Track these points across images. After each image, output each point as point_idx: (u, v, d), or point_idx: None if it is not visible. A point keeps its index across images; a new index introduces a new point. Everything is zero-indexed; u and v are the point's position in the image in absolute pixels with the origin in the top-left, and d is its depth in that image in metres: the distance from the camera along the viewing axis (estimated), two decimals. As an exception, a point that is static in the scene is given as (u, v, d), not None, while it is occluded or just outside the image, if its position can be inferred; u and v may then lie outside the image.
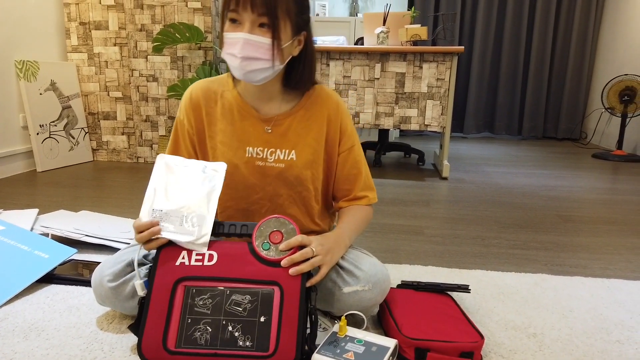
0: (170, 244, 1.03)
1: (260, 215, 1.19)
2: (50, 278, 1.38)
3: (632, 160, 3.88)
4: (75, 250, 1.50)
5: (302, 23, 1.07)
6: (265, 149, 1.16)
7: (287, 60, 1.09)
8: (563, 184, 3.00)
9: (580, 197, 2.66)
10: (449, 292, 1.26)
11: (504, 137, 5.45)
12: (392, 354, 0.99)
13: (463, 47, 2.99)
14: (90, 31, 3.20)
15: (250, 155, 1.16)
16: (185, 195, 1.05)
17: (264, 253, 1.01)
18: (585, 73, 5.07)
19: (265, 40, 1.01)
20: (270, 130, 1.16)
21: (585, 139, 5.10)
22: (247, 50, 1.01)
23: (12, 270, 1.35)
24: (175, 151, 1.22)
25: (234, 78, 1.18)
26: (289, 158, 1.16)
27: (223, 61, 3.36)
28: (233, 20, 1.03)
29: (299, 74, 1.13)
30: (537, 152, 4.35)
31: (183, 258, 1.01)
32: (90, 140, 3.40)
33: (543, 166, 3.62)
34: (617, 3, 4.69)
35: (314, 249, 1.01)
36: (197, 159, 1.21)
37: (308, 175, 1.19)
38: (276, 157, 1.16)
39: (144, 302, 0.98)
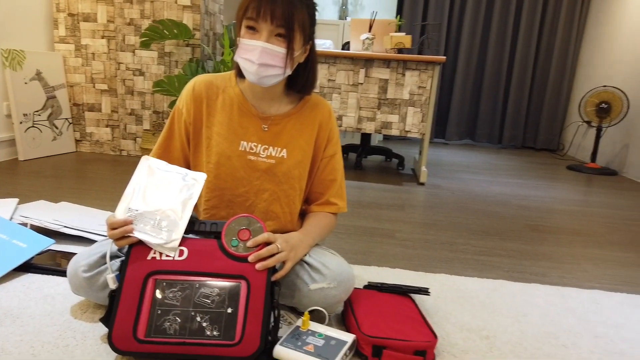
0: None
1: (243, 208, 1.26)
2: (27, 267, 1.41)
3: (604, 173, 4.01)
4: (53, 240, 1.54)
5: (311, 34, 1.17)
6: (259, 145, 1.24)
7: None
8: (536, 193, 3.10)
9: (550, 207, 2.76)
10: (410, 294, 1.32)
11: (484, 145, 5.56)
12: (350, 348, 1.06)
13: (445, 57, 3.07)
14: (79, 23, 3.22)
15: (243, 148, 1.23)
16: (162, 200, 1.10)
17: (232, 249, 1.07)
18: (565, 86, 5.21)
19: (280, 50, 1.10)
20: (266, 129, 1.24)
21: (562, 151, 5.24)
22: (264, 58, 1.10)
23: (-11, 257, 1.38)
24: (169, 138, 1.27)
25: (237, 76, 1.25)
26: (280, 155, 1.24)
27: (210, 59, 3.40)
28: (250, 28, 1.10)
29: (304, 79, 1.23)
30: (515, 162, 4.46)
31: (154, 253, 1.06)
32: (74, 131, 3.41)
33: (519, 175, 3.73)
34: (599, 20, 4.84)
35: (279, 246, 1.08)
36: (189, 148, 1.27)
37: (296, 174, 1.26)
38: (268, 154, 1.24)
39: (114, 295, 1.03)
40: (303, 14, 1.11)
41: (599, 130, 4.18)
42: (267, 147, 1.24)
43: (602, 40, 4.72)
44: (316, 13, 1.19)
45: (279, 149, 1.24)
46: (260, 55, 1.09)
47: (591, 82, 4.82)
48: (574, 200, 2.98)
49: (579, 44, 5.16)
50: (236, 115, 1.24)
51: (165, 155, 1.27)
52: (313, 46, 1.21)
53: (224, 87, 1.26)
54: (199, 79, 1.26)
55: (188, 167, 1.28)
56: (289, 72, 1.15)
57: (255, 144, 1.23)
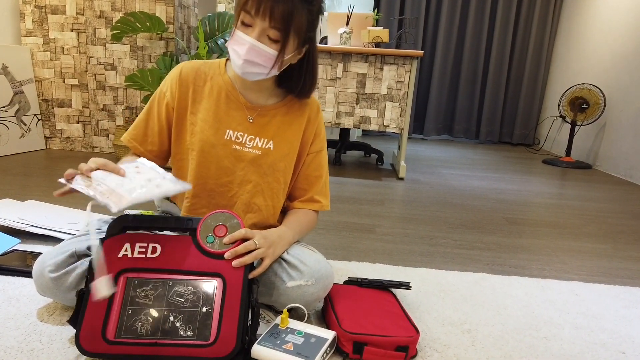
0: (113, 237, 1.03)
1: (225, 199, 1.22)
2: (-10, 268, 1.34)
3: (578, 167, 4.08)
4: (18, 240, 1.47)
5: (307, 39, 1.12)
6: (246, 135, 1.20)
7: (285, 67, 1.14)
8: (513, 187, 3.12)
9: (527, 200, 2.78)
10: (391, 289, 1.30)
11: (462, 141, 5.60)
12: (330, 346, 1.02)
13: (422, 51, 3.06)
14: (47, 15, 3.10)
15: (229, 137, 1.19)
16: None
17: (207, 246, 1.02)
18: (540, 81, 5.28)
19: (270, 50, 1.06)
20: (252, 120, 1.21)
21: (538, 145, 5.31)
22: (251, 54, 1.06)
23: (-51, 259, 1.31)
24: (147, 120, 1.22)
25: (226, 63, 1.23)
26: (266, 147, 1.21)
27: (185, 52, 3.32)
28: (245, 24, 1.05)
29: (299, 82, 1.18)
30: (492, 156, 4.50)
31: (126, 250, 1.01)
32: (43, 127, 3.29)
33: (496, 170, 3.76)
34: (573, 14, 4.91)
35: (256, 242, 1.04)
36: (168, 134, 1.23)
37: (281, 166, 1.23)
38: (254, 144, 1.21)
39: (83, 294, 0.97)
40: (302, 17, 1.05)
41: (573, 124, 4.25)
42: (253, 137, 1.21)
43: (576, 35, 4.79)
44: (320, 17, 1.14)
45: (266, 140, 1.21)
46: (248, 52, 1.06)
47: (565, 77, 4.89)
48: (550, 194, 3.01)
49: (553, 39, 5.24)
50: (223, 103, 1.20)
51: (141, 136, 1.22)
52: (311, 49, 1.16)
53: (212, 75, 1.22)
54: (187, 64, 1.23)
55: (163, 152, 1.25)
56: (275, 72, 1.12)
57: (242, 133, 1.20)
